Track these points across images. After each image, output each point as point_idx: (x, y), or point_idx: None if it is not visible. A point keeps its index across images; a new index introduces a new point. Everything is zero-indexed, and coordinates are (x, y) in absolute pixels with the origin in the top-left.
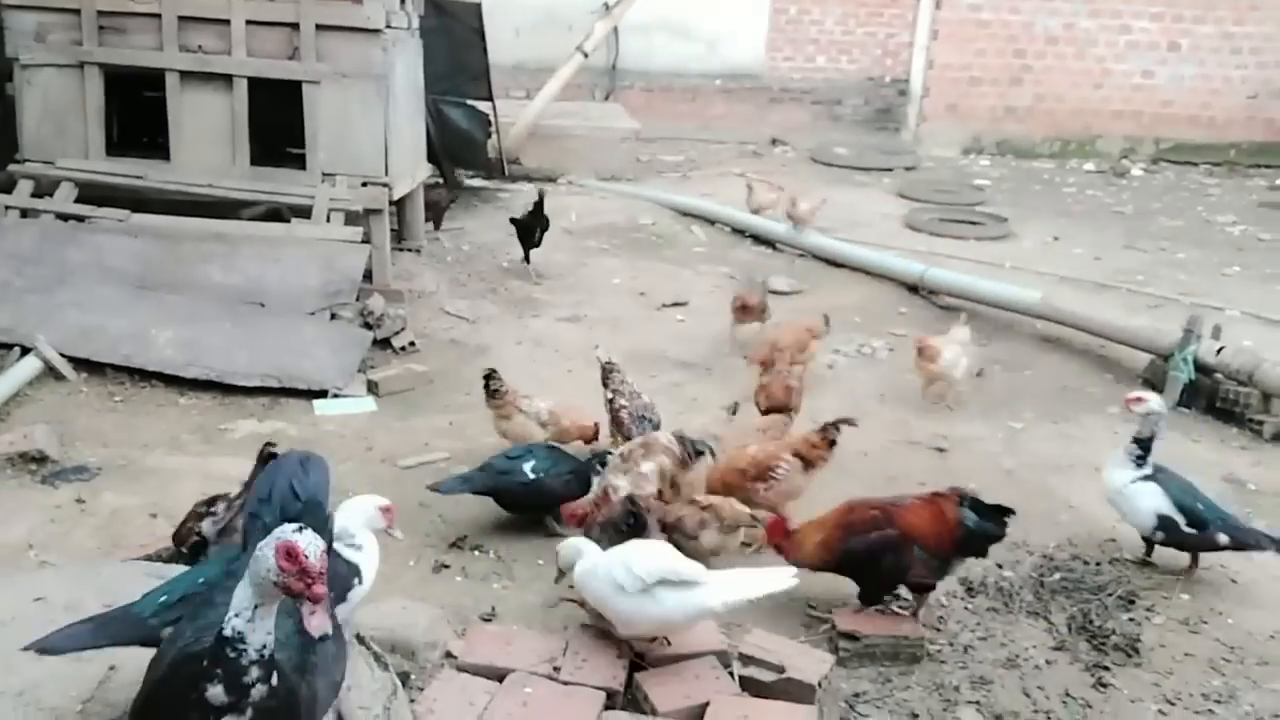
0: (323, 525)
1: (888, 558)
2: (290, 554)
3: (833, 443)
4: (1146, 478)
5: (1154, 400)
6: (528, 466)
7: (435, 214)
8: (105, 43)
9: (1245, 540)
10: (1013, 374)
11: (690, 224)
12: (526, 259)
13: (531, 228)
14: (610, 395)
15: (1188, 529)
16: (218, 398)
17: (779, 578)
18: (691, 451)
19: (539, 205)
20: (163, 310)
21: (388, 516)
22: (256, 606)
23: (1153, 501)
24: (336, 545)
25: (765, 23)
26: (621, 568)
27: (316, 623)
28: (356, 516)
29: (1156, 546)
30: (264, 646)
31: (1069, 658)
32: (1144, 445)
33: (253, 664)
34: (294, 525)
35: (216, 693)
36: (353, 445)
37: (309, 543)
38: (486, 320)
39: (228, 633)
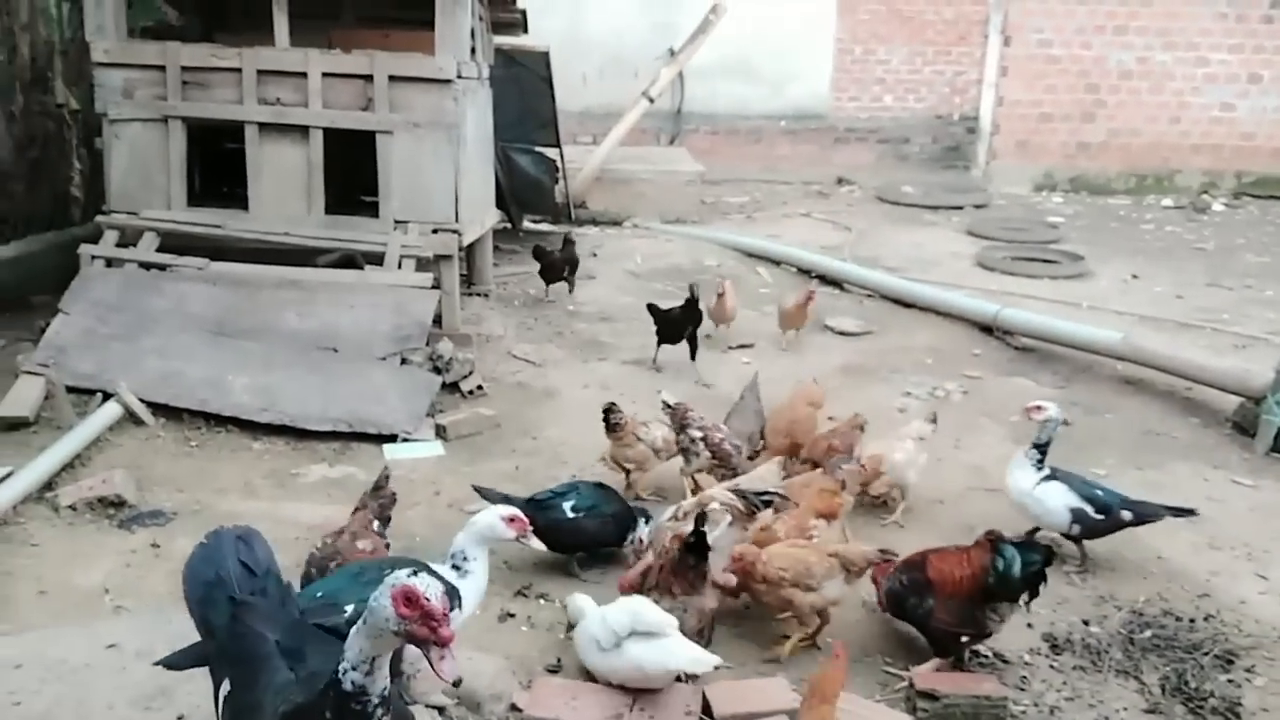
0: (287, 595)
1: (911, 600)
2: (410, 599)
3: (844, 484)
4: (1049, 477)
5: (1052, 408)
6: (568, 505)
7: (551, 274)
8: (188, 97)
9: (1146, 514)
10: (1093, 418)
11: (755, 265)
12: (547, 292)
13: (559, 265)
14: (698, 433)
15: (1096, 515)
16: (291, 442)
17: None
18: (756, 504)
19: (568, 241)
20: (239, 356)
21: (517, 525)
22: (375, 658)
23: (1062, 497)
24: (439, 566)
25: (830, 63)
26: (598, 623)
27: (448, 669)
28: (475, 531)
29: (1084, 542)
30: (384, 690)
31: None
32: (1042, 449)
33: (376, 708)
34: (408, 569)
35: None
36: (421, 489)
37: (427, 585)
38: (553, 364)
39: (348, 688)
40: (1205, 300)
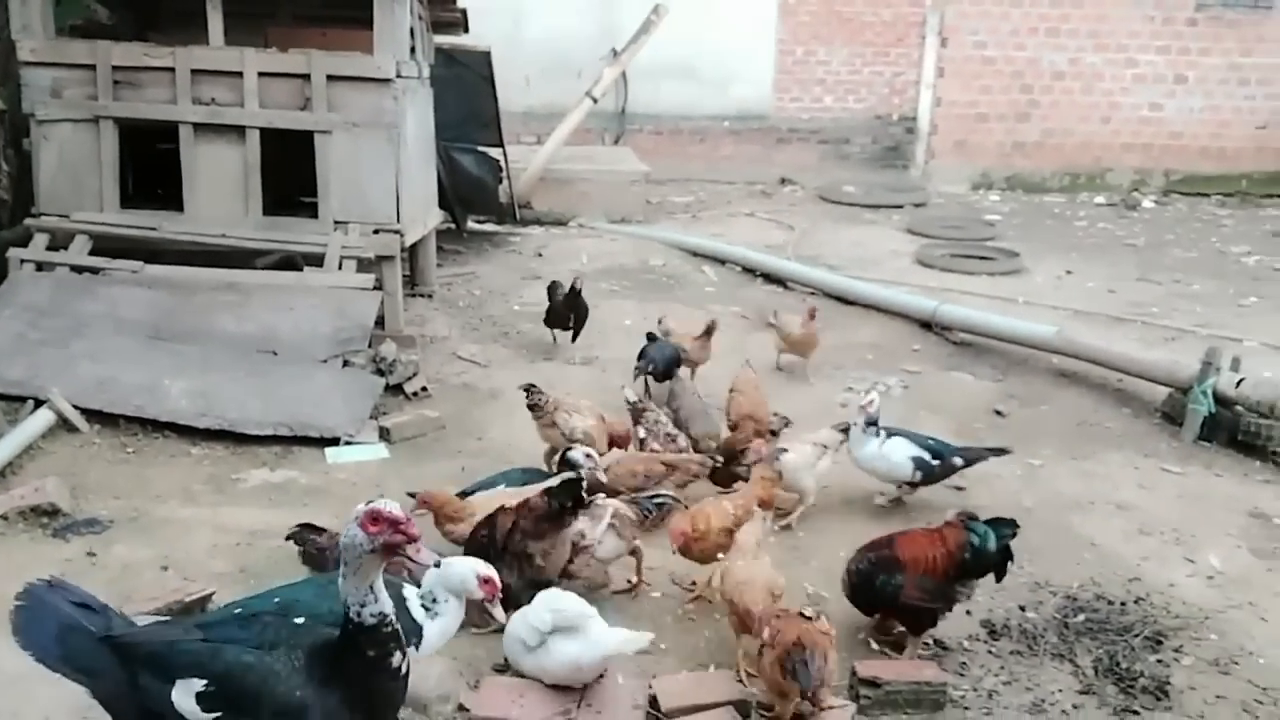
0: (129, 623)
1: (880, 578)
2: (375, 517)
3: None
4: (889, 435)
5: (877, 396)
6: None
7: (554, 320)
8: (120, 97)
9: (973, 457)
10: (1029, 410)
11: (701, 264)
12: (555, 338)
13: (564, 315)
14: (643, 434)
15: (934, 461)
16: (230, 447)
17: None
18: (650, 509)
19: (575, 291)
20: (176, 360)
21: (487, 589)
22: (370, 586)
23: (904, 449)
24: (409, 596)
25: (772, 64)
26: (520, 623)
27: (426, 556)
28: (449, 579)
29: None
30: (392, 608)
31: (1096, 701)
32: (873, 421)
33: (396, 624)
34: (366, 501)
35: (398, 658)
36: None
37: (384, 502)
38: (499, 364)
39: (370, 621)
40: (1136, 295)
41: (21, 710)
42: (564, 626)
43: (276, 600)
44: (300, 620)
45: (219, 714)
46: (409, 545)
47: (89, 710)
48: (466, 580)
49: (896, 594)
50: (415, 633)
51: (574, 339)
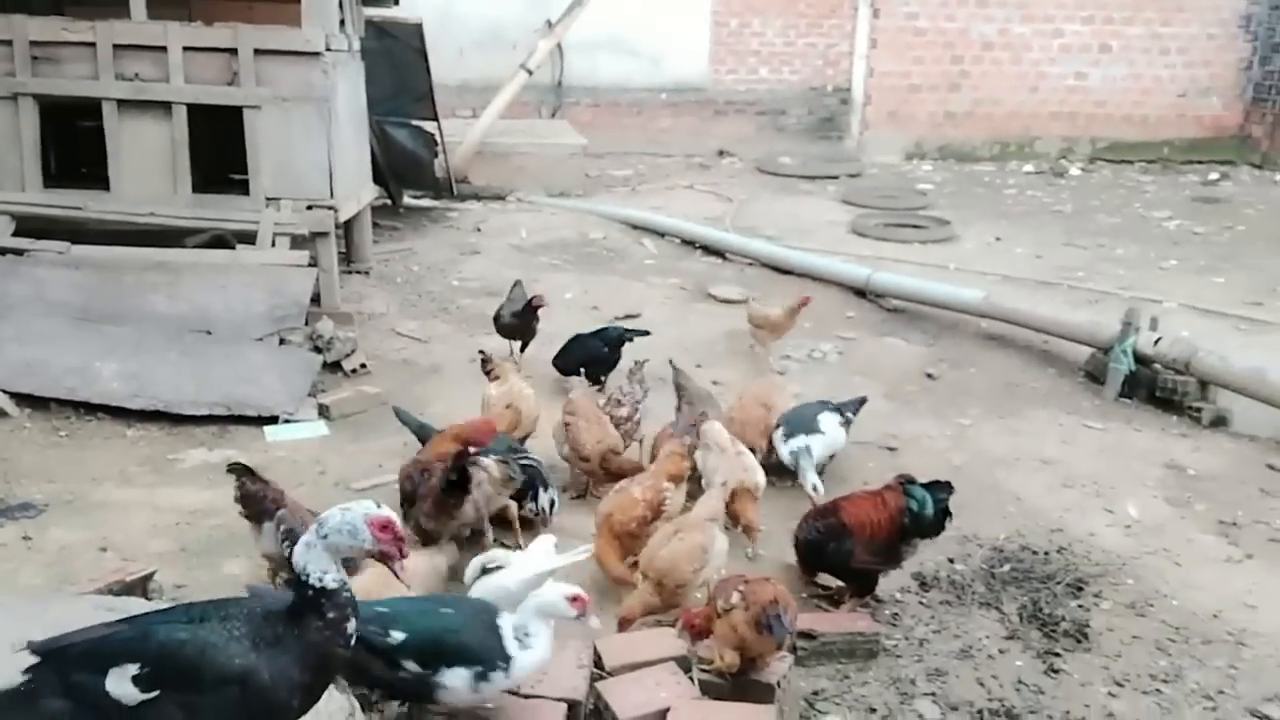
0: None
1: (830, 545)
2: (386, 527)
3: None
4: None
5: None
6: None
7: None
8: (39, 73)
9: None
10: (959, 372)
11: (640, 237)
12: (513, 350)
13: (516, 331)
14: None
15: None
16: (166, 428)
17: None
18: (514, 471)
19: (530, 308)
20: (107, 342)
21: (579, 605)
22: (336, 566)
23: (836, 417)
24: (503, 626)
25: (707, 36)
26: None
27: (407, 576)
28: (542, 609)
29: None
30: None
31: (1021, 646)
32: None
33: (350, 591)
34: (370, 502)
35: (353, 624)
36: (305, 470)
37: (392, 515)
38: (439, 339)
39: (333, 585)
40: (1063, 259)
41: None
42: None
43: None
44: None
45: (157, 693)
46: (396, 562)
47: None
48: (558, 606)
49: (847, 559)
50: (504, 659)
51: (523, 350)
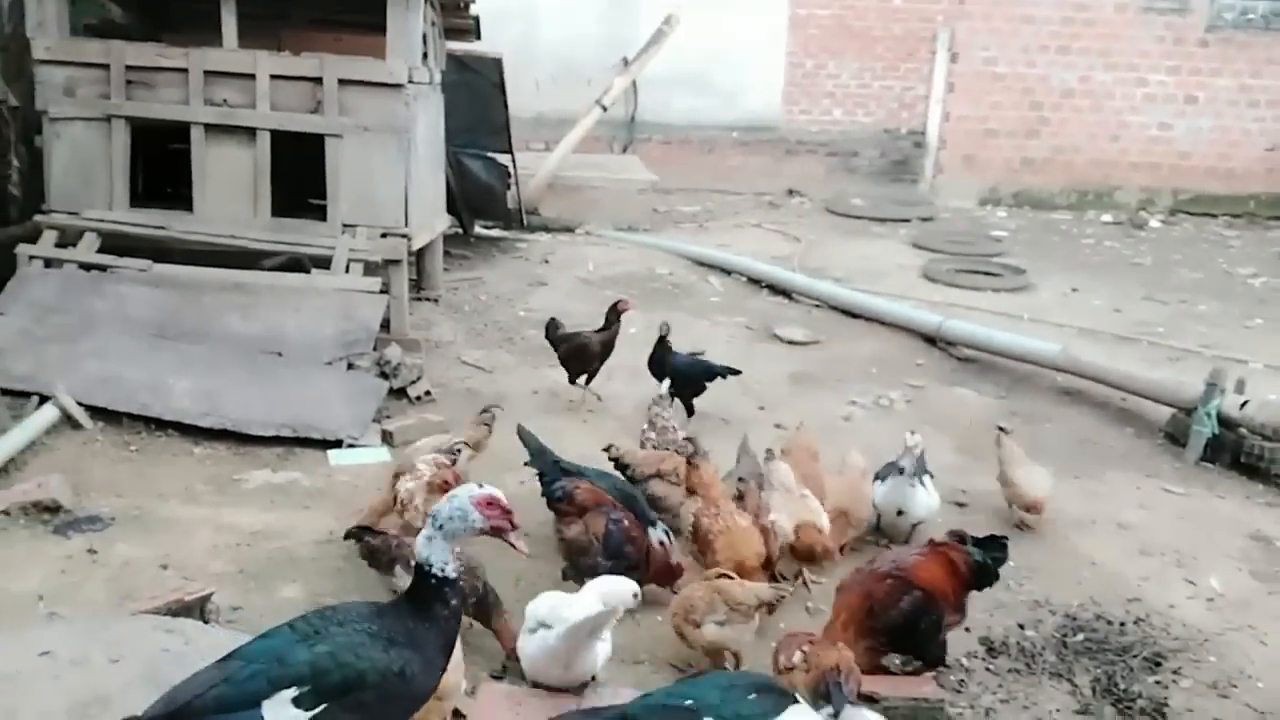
0: None
1: (924, 619)
2: (491, 503)
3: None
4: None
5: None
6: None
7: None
8: (132, 97)
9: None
10: (1032, 427)
11: (707, 274)
12: (573, 382)
13: (591, 355)
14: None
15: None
16: (233, 447)
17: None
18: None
19: (615, 312)
20: (181, 360)
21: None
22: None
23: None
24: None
25: (781, 76)
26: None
27: (524, 546)
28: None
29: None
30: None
31: None
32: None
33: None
34: (474, 484)
35: (461, 600)
36: (366, 495)
37: (495, 491)
38: (503, 370)
39: (452, 575)
40: (1141, 314)
41: (17, 708)
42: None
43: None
44: None
45: (323, 707)
46: (513, 533)
47: (87, 708)
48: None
49: (938, 629)
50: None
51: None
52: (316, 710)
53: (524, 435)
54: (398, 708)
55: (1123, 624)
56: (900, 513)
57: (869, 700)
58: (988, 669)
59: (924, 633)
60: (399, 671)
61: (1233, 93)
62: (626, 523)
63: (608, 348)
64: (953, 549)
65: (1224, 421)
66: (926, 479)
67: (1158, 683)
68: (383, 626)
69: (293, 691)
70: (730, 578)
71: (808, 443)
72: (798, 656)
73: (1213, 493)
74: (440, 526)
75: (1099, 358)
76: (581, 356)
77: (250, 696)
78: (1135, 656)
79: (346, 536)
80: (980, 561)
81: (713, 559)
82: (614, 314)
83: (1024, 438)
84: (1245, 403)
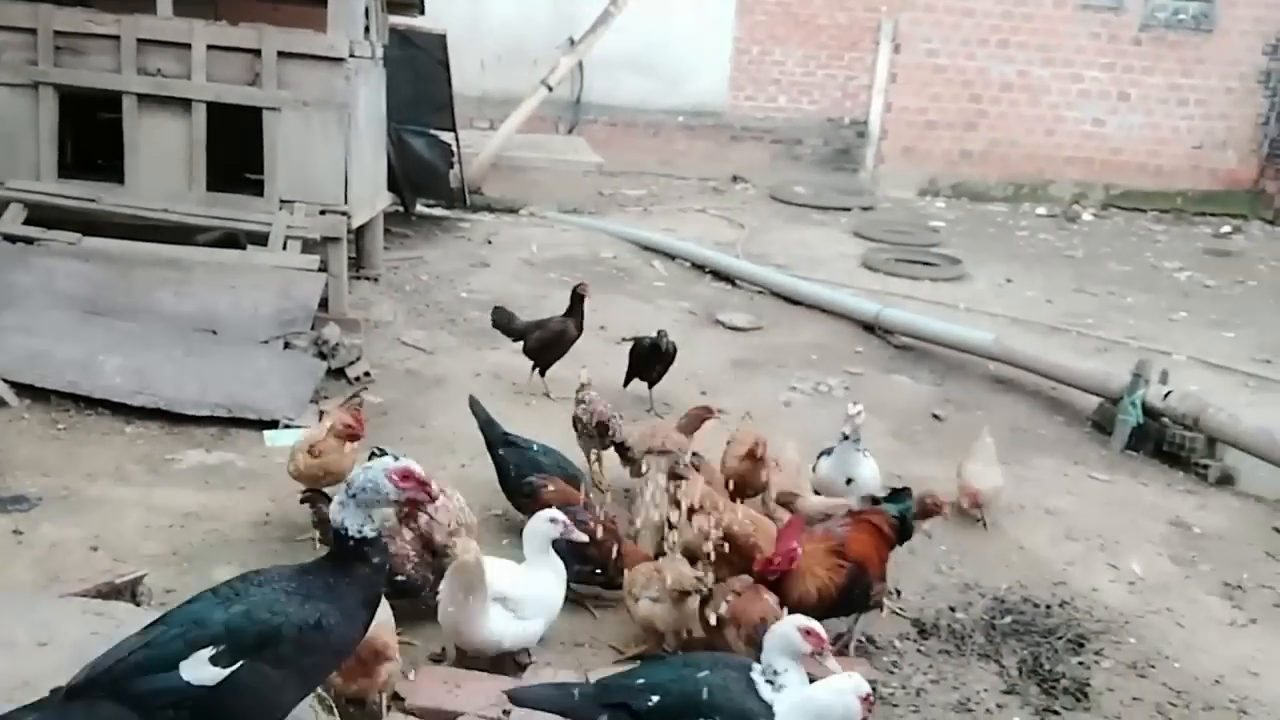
0: None
1: (856, 589)
2: (406, 475)
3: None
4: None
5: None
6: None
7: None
8: (61, 63)
9: None
10: (965, 414)
11: (651, 258)
12: (544, 373)
13: (650, 362)
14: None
15: None
16: (165, 427)
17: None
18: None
19: (576, 296)
20: (112, 336)
21: (813, 640)
22: (369, 517)
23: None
24: (756, 679)
25: (728, 62)
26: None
27: (443, 515)
28: (779, 645)
29: None
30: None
31: (1020, 701)
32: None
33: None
34: (389, 455)
35: (384, 557)
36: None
37: (411, 464)
38: (445, 351)
39: (371, 534)
40: (1072, 305)
41: None
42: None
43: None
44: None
45: (240, 664)
46: (430, 504)
47: (13, 692)
48: (792, 639)
49: (866, 597)
50: (766, 714)
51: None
52: (234, 667)
53: (474, 406)
54: (317, 659)
55: (1049, 606)
56: (849, 481)
57: None
58: (919, 650)
59: (854, 602)
60: (315, 624)
61: (1163, 91)
62: (591, 524)
63: (579, 332)
64: (873, 514)
65: (1148, 411)
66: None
67: (1081, 663)
68: (301, 584)
69: (209, 651)
70: (691, 561)
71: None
72: (724, 608)
73: (1136, 480)
74: (353, 496)
75: (1031, 347)
76: (557, 344)
77: (169, 658)
78: (1060, 638)
79: (302, 500)
80: (899, 516)
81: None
82: (576, 298)
83: (957, 425)
84: (1169, 393)
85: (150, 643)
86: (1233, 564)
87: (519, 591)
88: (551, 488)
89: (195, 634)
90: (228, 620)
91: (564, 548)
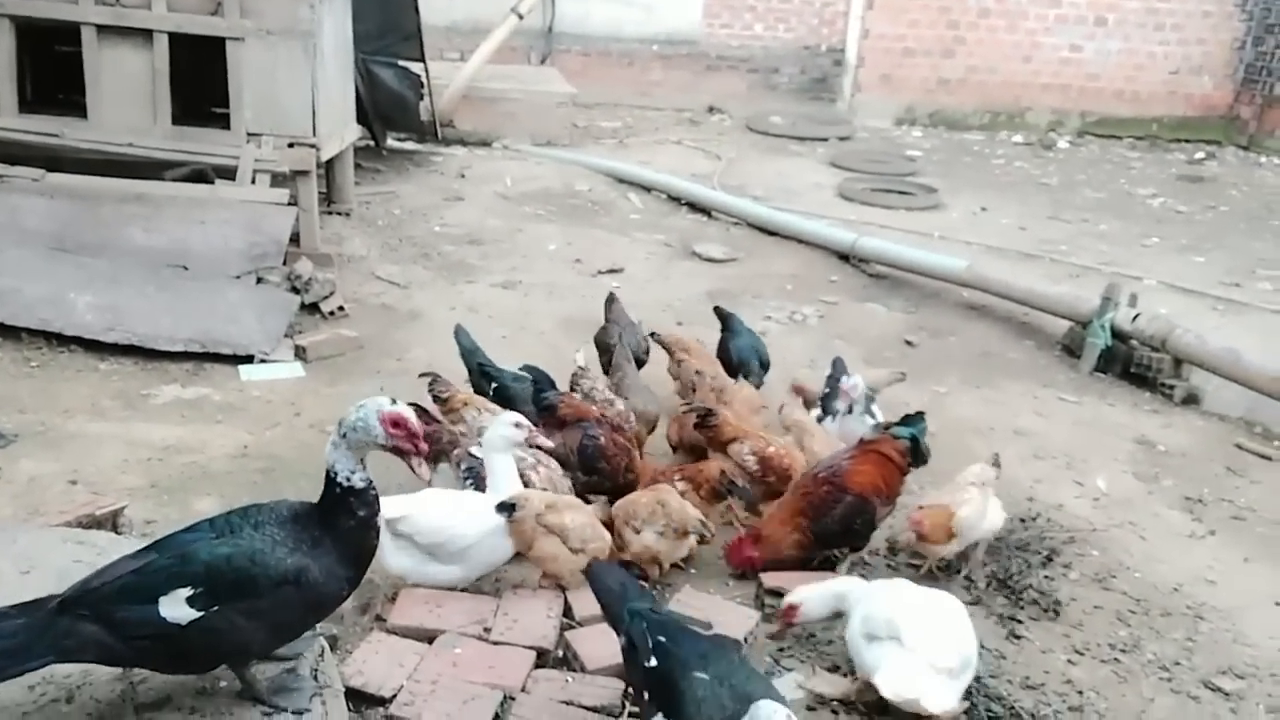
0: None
1: (858, 521)
2: (398, 423)
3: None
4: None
5: (860, 381)
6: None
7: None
8: None
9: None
10: (938, 340)
11: (627, 191)
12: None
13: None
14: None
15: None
16: (140, 363)
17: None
18: None
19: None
20: (82, 273)
21: (524, 432)
22: (361, 460)
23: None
24: None
25: None
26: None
27: (424, 472)
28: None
29: None
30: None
31: (985, 612)
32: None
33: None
34: (386, 397)
35: (379, 518)
36: (280, 411)
37: (407, 410)
38: (419, 285)
39: (360, 485)
40: (1046, 232)
41: None
42: None
43: None
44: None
45: (216, 608)
46: (415, 457)
47: None
48: (505, 434)
49: (870, 529)
50: None
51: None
52: (209, 610)
53: (459, 334)
54: (294, 613)
55: (1022, 521)
56: None
57: (775, 594)
58: (888, 565)
59: (857, 532)
60: (294, 579)
61: (1141, 15)
62: (603, 439)
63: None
64: (884, 443)
65: (1117, 334)
66: (875, 408)
67: (1048, 577)
68: (290, 533)
69: (188, 591)
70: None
71: (748, 395)
72: (680, 485)
73: (1104, 401)
74: (344, 435)
75: (1004, 274)
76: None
77: (151, 591)
78: (1030, 551)
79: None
80: (912, 440)
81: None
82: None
83: (929, 351)
84: (1137, 316)
85: (139, 570)
86: (1194, 480)
87: (423, 525)
88: (566, 402)
89: (178, 569)
90: (209, 562)
91: (585, 457)
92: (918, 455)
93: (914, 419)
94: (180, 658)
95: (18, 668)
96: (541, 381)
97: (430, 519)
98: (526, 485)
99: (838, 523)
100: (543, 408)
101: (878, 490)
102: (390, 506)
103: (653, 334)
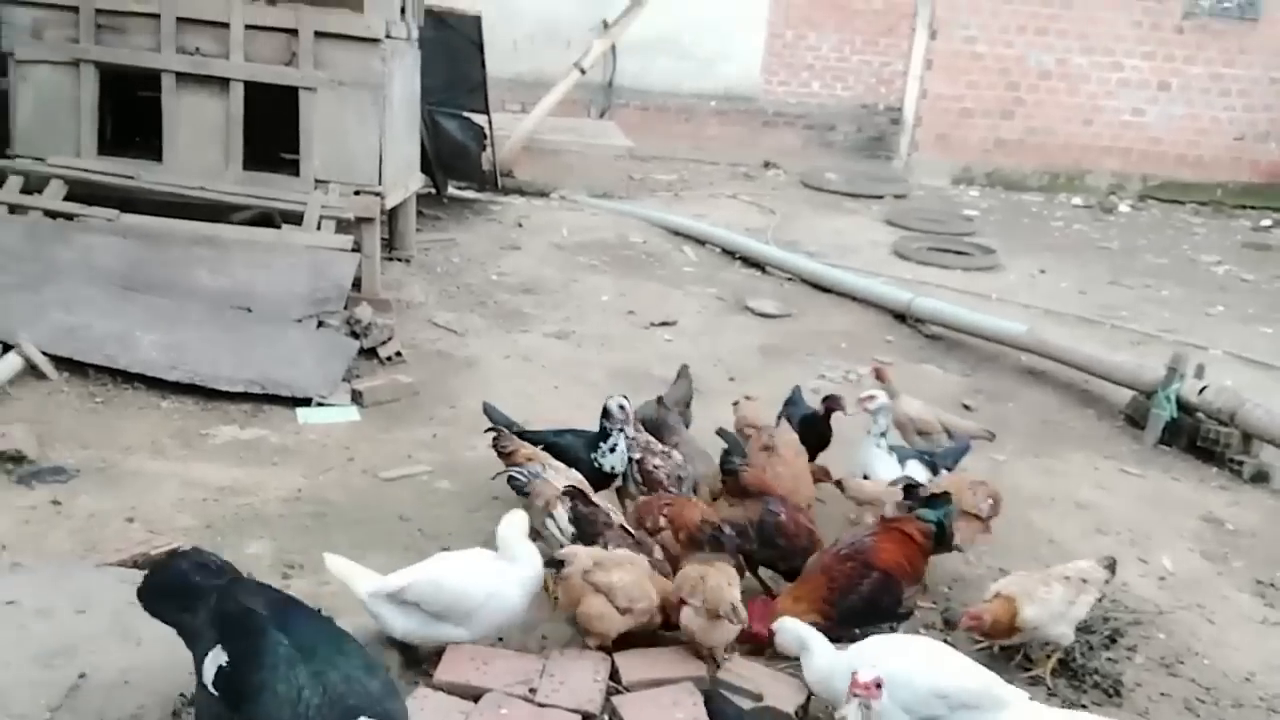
0: None
1: (885, 598)
2: None
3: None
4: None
5: (881, 396)
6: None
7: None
8: (102, 41)
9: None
10: (996, 405)
11: (681, 243)
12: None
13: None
14: (636, 454)
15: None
16: (200, 402)
17: None
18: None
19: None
20: (148, 312)
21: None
22: None
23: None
24: None
25: (761, 46)
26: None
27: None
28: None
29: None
30: None
31: (1045, 694)
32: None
33: None
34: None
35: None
36: (334, 455)
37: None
38: (475, 333)
39: None
40: (1107, 297)
41: None
42: None
43: None
44: None
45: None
46: None
47: (52, 658)
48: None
49: (897, 606)
50: None
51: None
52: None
53: (489, 411)
54: None
55: None
56: (865, 477)
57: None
58: (946, 641)
59: (883, 611)
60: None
61: (1205, 81)
62: (784, 516)
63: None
64: (906, 523)
65: (1182, 406)
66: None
67: (1111, 659)
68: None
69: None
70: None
71: (754, 417)
72: (662, 521)
73: (1169, 475)
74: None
75: (1063, 339)
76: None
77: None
78: (1092, 632)
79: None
80: (936, 523)
81: None
82: (824, 420)
83: (987, 416)
84: (1204, 388)
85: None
86: (1265, 561)
87: (408, 581)
88: (753, 472)
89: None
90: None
91: (764, 532)
92: (941, 540)
93: (940, 500)
94: None
95: None
96: (732, 447)
97: (436, 582)
98: (652, 478)
99: (864, 600)
100: (727, 472)
101: (902, 569)
102: (393, 579)
103: (720, 430)
